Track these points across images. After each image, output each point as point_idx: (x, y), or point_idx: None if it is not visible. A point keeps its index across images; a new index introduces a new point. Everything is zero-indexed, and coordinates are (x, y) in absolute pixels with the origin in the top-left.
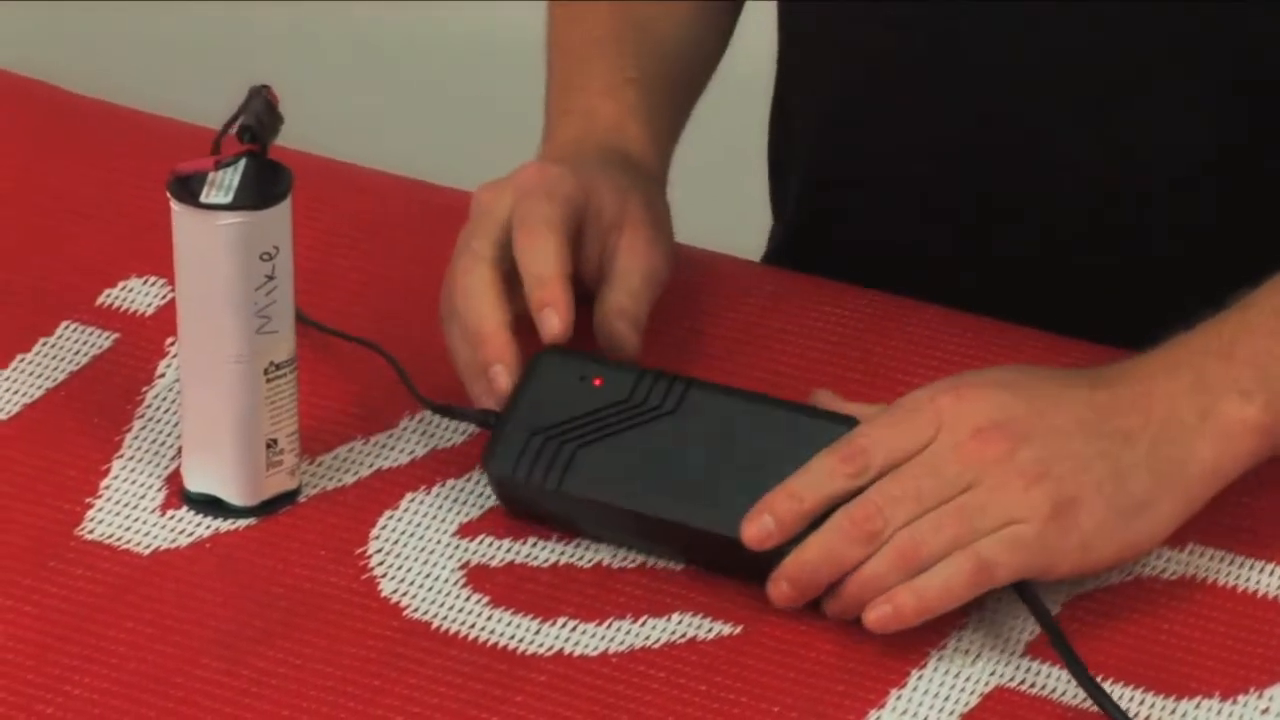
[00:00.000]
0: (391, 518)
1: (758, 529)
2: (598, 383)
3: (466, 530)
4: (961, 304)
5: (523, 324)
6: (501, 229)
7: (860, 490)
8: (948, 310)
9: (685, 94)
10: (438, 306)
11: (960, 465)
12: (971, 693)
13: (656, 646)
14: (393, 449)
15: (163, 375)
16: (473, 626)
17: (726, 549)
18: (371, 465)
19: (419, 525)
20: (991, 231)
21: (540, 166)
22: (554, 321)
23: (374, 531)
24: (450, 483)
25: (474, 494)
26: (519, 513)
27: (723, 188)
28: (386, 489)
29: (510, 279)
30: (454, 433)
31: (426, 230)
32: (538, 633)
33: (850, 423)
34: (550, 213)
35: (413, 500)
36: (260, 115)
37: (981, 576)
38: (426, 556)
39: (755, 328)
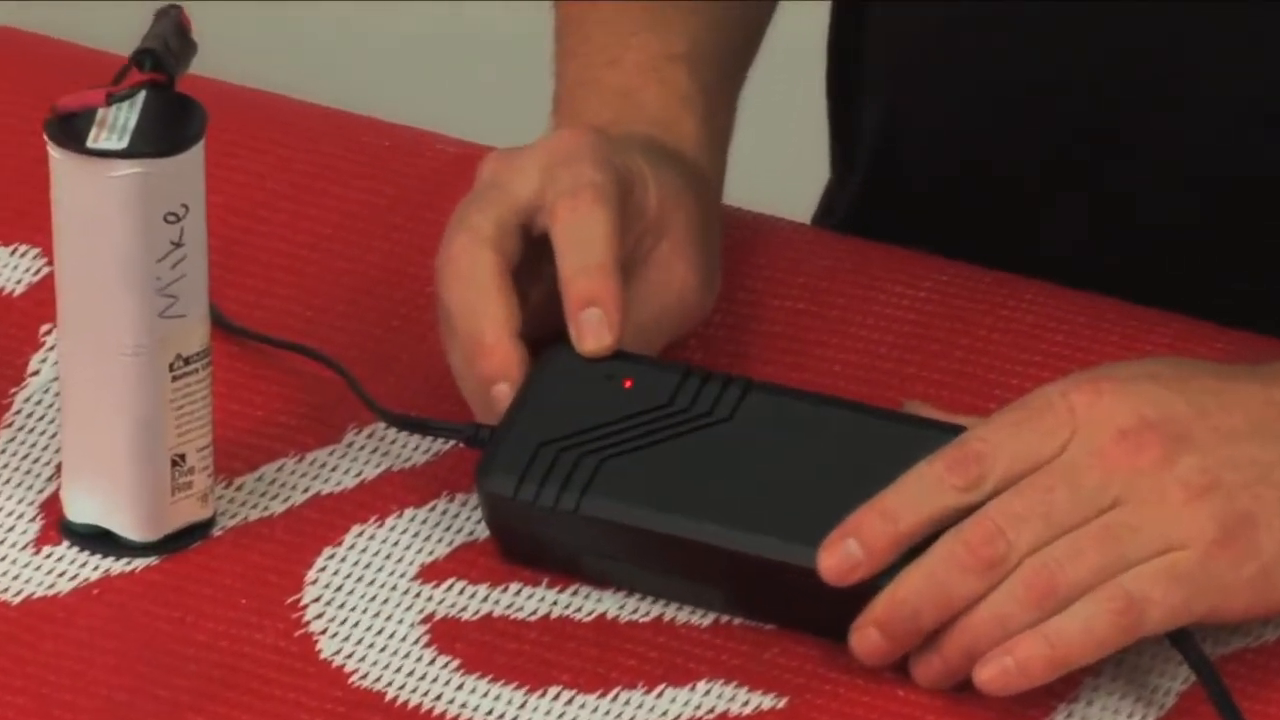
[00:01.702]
0: (333, 557)
1: (839, 558)
2: (628, 383)
3: (430, 573)
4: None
5: (538, 322)
6: (515, 208)
7: (974, 508)
8: (1057, 287)
9: (741, 70)
10: (398, 291)
11: (1103, 475)
12: None
13: None
14: (335, 469)
15: (37, 373)
16: (438, 698)
17: (795, 587)
18: (307, 490)
19: (369, 567)
20: (1108, 184)
21: (581, 131)
22: (600, 329)
23: (311, 575)
24: (410, 513)
25: (440, 526)
26: (516, 550)
27: (760, 140)
28: (327, 520)
29: (521, 271)
30: (413, 450)
31: (392, 184)
32: (523, 706)
33: (956, 432)
34: (604, 182)
35: (361, 535)
36: (168, 39)
37: (1130, 618)
38: (379, 607)
39: (819, 310)
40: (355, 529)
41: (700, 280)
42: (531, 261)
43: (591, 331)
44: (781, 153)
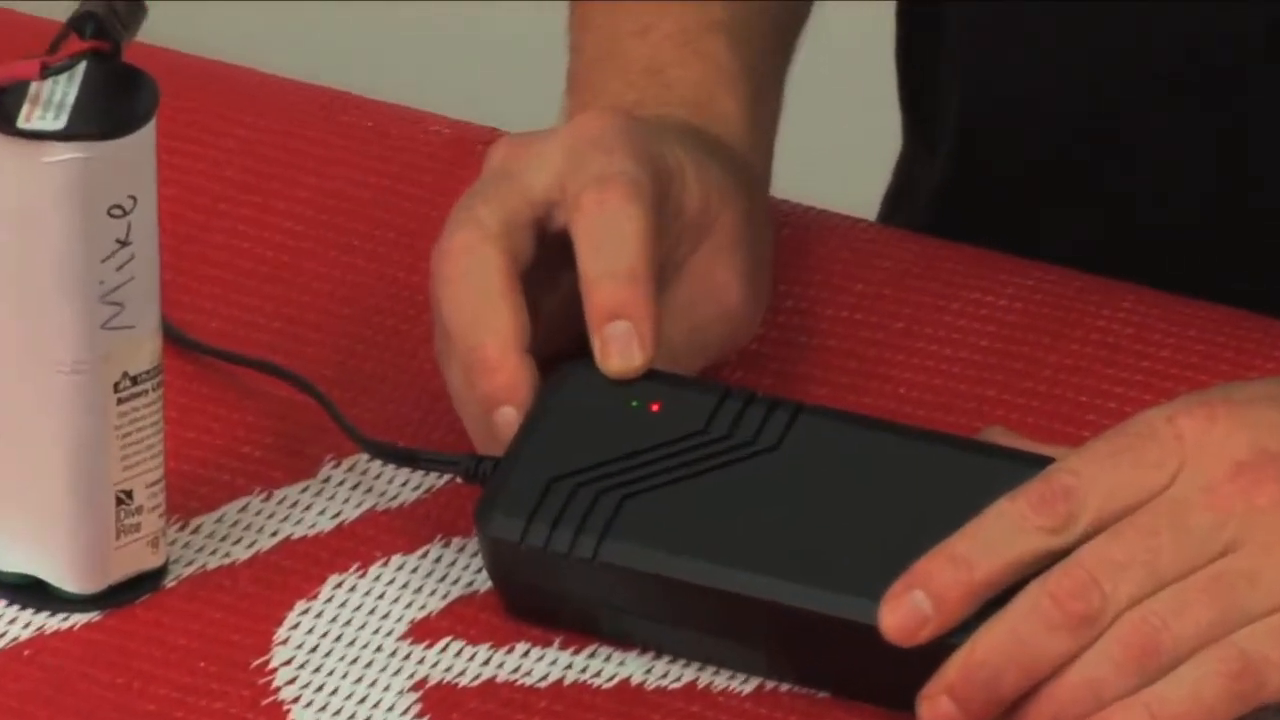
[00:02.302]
0: (308, 612)
1: (905, 613)
2: (657, 408)
3: (422, 631)
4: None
5: (552, 337)
6: (529, 200)
7: (1064, 554)
8: (1162, 294)
9: (789, 42)
10: (384, 299)
11: (1215, 516)
12: None
13: None
14: (309, 509)
15: None
16: None
17: (852, 648)
18: (276, 533)
19: (350, 624)
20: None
21: (610, 112)
22: (629, 345)
23: (281, 633)
24: (398, 560)
25: (434, 576)
26: (523, 604)
27: (813, 124)
28: (300, 569)
29: (533, 276)
30: (401, 486)
31: (378, 172)
32: None
33: (1043, 463)
34: (637, 173)
35: (340, 586)
36: (112, 1)
37: (1247, 683)
38: (362, 671)
39: (881, 322)
40: (333, 579)
41: (746, 290)
42: (546, 264)
43: (618, 348)
44: (837, 137)
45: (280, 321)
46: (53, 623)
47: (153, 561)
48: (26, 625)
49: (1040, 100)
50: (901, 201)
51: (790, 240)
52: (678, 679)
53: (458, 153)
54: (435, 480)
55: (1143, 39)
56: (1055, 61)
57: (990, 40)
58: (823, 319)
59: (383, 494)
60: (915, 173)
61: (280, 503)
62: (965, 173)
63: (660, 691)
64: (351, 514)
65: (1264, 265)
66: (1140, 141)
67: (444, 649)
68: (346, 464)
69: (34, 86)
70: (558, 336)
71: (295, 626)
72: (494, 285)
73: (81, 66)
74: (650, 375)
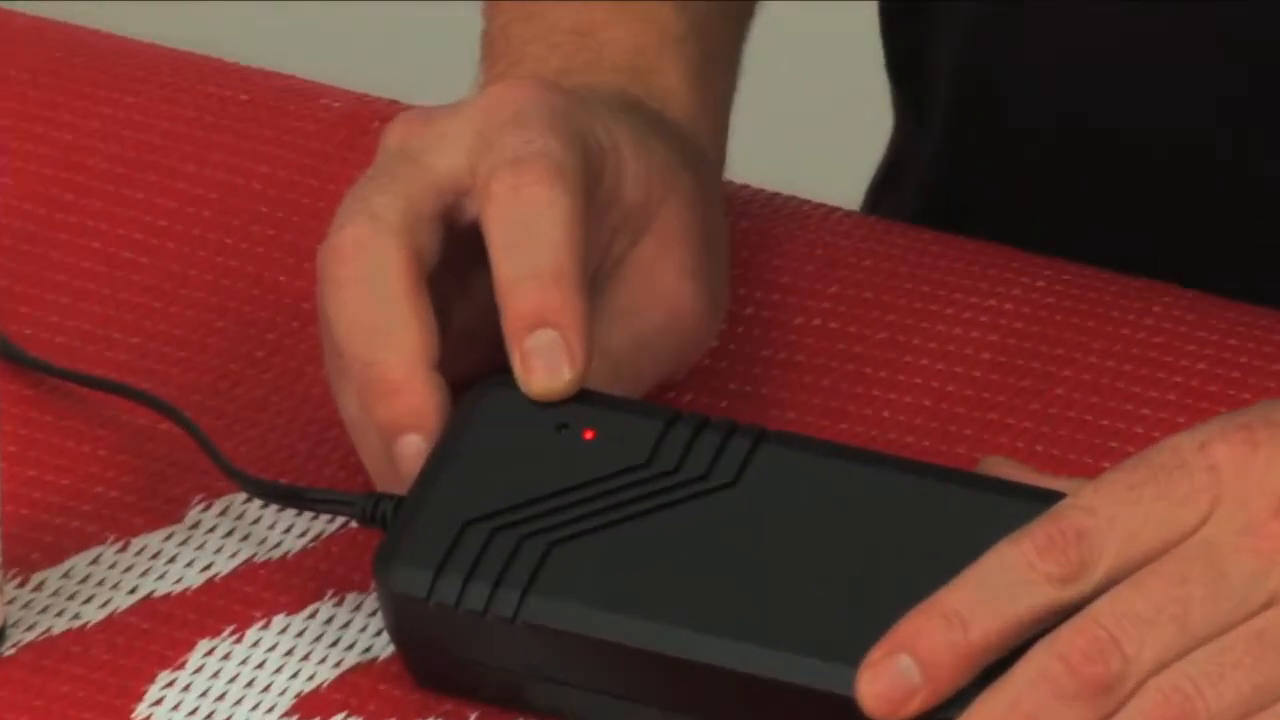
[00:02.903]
0: (173, 685)
1: (888, 681)
2: (589, 435)
3: (311, 707)
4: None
5: (464, 351)
6: (434, 187)
7: (1077, 608)
8: (1199, 294)
9: (747, 3)
10: (264, 308)
11: (1257, 562)
12: None
13: None
14: (175, 561)
15: None
16: None
17: None
18: (135, 590)
19: (224, 698)
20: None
21: (528, 83)
22: (555, 360)
23: (141, 710)
24: (281, 621)
25: (324, 640)
26: (432, 672)
27: (779, 103)
28: (163, 633)
29: (442, 278)
30: (284, 532)
31: (256, 156)
32: None
33: (1052, 500)
34: (560, 152)
35: (211, 653)
36: None
37: None
38: None
39: (861, 332)
40: (203, 645)
41: (698, 293)
42: (455, 264)
43: (543, 363)
44: (809, 110)
45: (139, 337)
46: None
47: None
48: None
49: (1053, 55)
50: (888, 190)
51: (751, 233)
52: None
53: (351, 132)
54: (326, 525)
55: None
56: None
57: None
58: (791, 328)
59: (262, 542)
60: (906, 149)
61: (139, 553)
62: (963, 144)
63: None
64: (225, 566)
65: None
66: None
67: None
68: (219, 506)
69: None
70: (471, 351)
71: (158, 702)
72: (394, 289)
73: None
74: (582, 397)
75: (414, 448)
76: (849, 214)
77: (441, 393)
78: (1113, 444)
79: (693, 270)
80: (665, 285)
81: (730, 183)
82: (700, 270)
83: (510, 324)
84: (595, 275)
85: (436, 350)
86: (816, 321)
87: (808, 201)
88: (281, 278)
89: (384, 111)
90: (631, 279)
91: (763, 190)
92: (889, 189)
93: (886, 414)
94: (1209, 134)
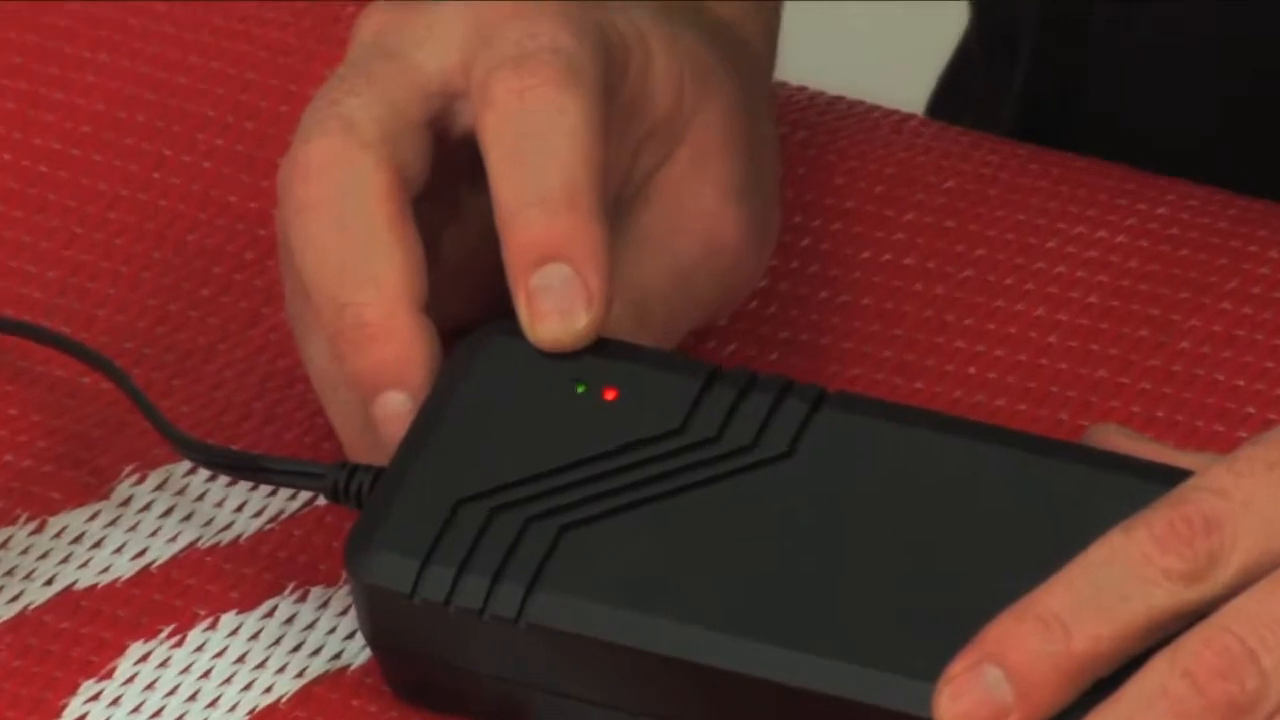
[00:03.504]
0: (98, 698)
1: (972, 699)
2: (611, 395)
3: None
4: None
5: (457, 292)
6: (419, 89)
7: (1204, 612)
8: None
9: None
10: (211, 239)
11: None
12: None
13: None
14: (101, 545)
15: None
16: None
17: None
18: (52, 581)
19: (160, 715)
20: None
21: None
22: (569, 301)
23: None
24: (230, 621)
25: (284, 644)
26: (414, 683)
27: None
28: (88, 634)
29: (430, 203)
30: (236, 511)
31: (202, 59)
32: None
33: (1175, 478)
34: (576, 51)
35: (146, 659)
36: None
37: None
38: None
39: (943, 269)
40: (135, 650)
41: (743, 217)
42: (446, 184)
43: (553, 306)
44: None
45: (58, 270)
46: None
47: None
48: None
49: None
50: (953, 96)
51: (809, 147)
52: None
53: (319, 20)
54: (287, 502)
55: None
56: None
57: None
58: (855, 264)
59: (209, 523)
60: (973, 66)
61: (58, 536)
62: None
63: None
64: (163, 552)
65: None
66: None
67: None
68: (155, 478)
69: None
70: (466, 291)
71: (85, 716)
72: (372, 215)
73: None
74: (602, 347)
75: (397, 408)
76: (927, 123)
77: (430, 341)
78: (1249, 409)
79: (736, 190)
80: (703, 209)
81: (782, 84)
82: (745, 190)
83: (513, 258)
84: (617, 198)
85: (424, 289)
86: (887, 256)
87: (877, 107)
88: (232, 198)
89: (358, 6)
90: (662, 202)
91: (822, 94)
92: (954, 95)
93: (972, 370)
94: None
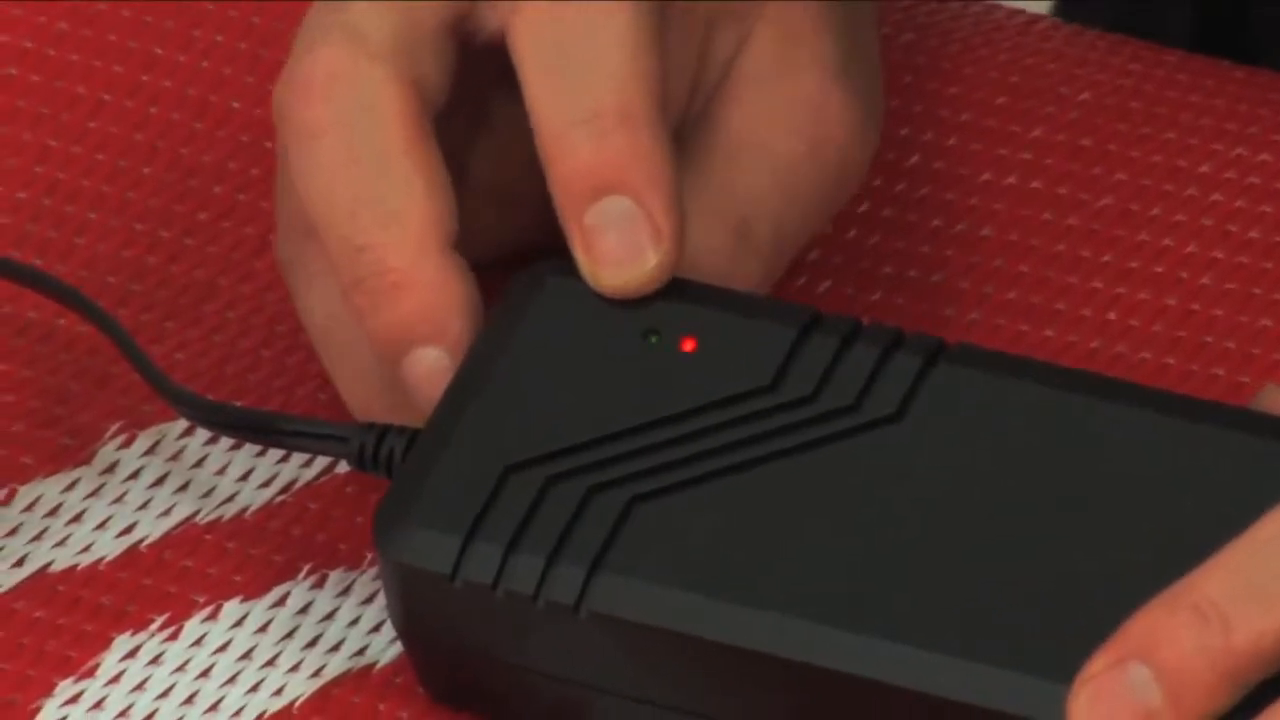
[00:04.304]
0: (78, 700)
1: (1113, 701)
2: (689, 345)
3: None
4: None
5: (491, 226)
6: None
7: None
8: None
9: None
10: (203, 170)
11: None
12: None
13: None
14: (82, 519)
15: None
16: None
17: None
18: (23, 561)
19: (153, 717)
20: None
21: None
22: (637, 239)
23: None
24: (234, 609)
25: (298, 637)
26: (452, 682)
27: None
28: (67, 625)
29: (452, 121)
30: (240, 481)
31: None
32: None
33: None
34: None
35: (134, 655)
36: None
37: None
38: None
39: (1085, 194)
40: (122, 643)
41: (851, 99)
42: (473, 96)
43: (616, 244)
44: None
45: (28, 190)
46: None
47: None
48: None
49: None
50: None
51: (917, 51)
52: None
53: None
54: (302, 469)
55: None
56: None
57: None
58: (974, 188)
59: (208, 493)
60: None
61: (30, 509)
62: None
63: None
64: (154, 529)
65: None
66: None
67: None
68: (145, 440)
69: None
70: (507, 217)
71: None
72: (389, 139)
73: None
74: (678, 290)
75: (431, 365)
76: (1058, 25)
77: (465, 284)
78: None
79: (837, 68)
80: (802, 94)
81: None
82: (847, 67)
83: (562, 190)
84: (694, 100)
85: (454, 223)
86: (1011, 180)
87: (998, 6)
88: (235, 104)
89: None
90: (748, 94)
91: None
92: None
93: (1112, 316)
94: None
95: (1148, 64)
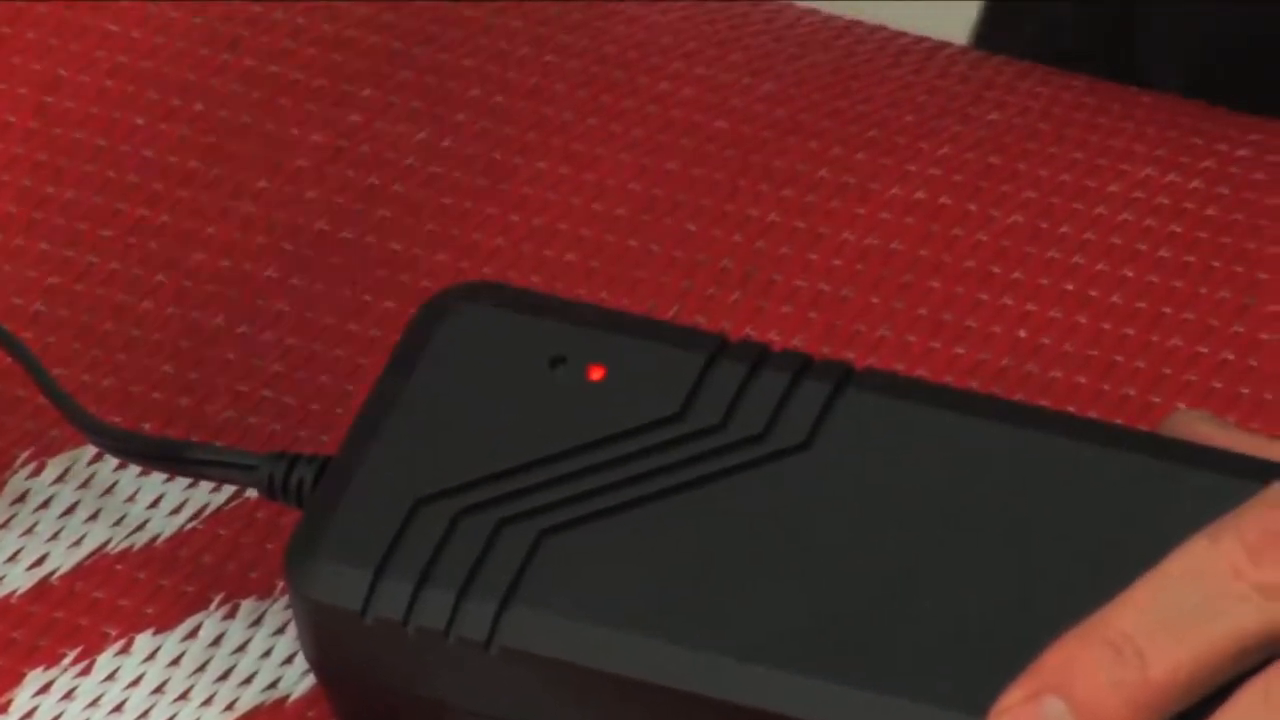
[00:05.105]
0: None
1: None
2: (597, 373)
3: None
4: None
5: None
6: None
7: None
8: None
9: None
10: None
11: None
12: None
13: None
14: None
15: None
16: None
17: None
18: None
19: None
20: None
21: None
22: None
23: None
24: (145, 643)
25: (212, 672)
26: (356, 715)
27: None
28: None
29: None
30: (150, 508)
31: None
32: None
33: (1269, 473)
34: None
35: (46, 690)
36: None
37: None
38: None
39: (994, 211)
40: (34, 679)
41: None
42: None
43: None
44: None
45: None
46: None
47: None
48: None
49: None
50: (1000, 29)
51: (820, 70)
52: None
53: None
54: (211, 494)
55: None
56: None
57: None
58: (882, 203)
59: (119, 521)
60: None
61: None
62: None
63: None
64: (65, 560)
65: None
66: None
67: None
68: (55, 468)
69: None
70: None
71: None
72: None
73: None
74: (583, 315)
75: None
76: (965, 50)
77: None
78: None
79: None
80: None
81: (789, 5)
82: None
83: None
84: None
85: None
86: (920, 194)
87: (904, 33)
88: (139, 120)
89: None
90: None
91: (837, 18)
92: (1000, 28)
93: (1022, 334)
94: None
95: (1055, 87)
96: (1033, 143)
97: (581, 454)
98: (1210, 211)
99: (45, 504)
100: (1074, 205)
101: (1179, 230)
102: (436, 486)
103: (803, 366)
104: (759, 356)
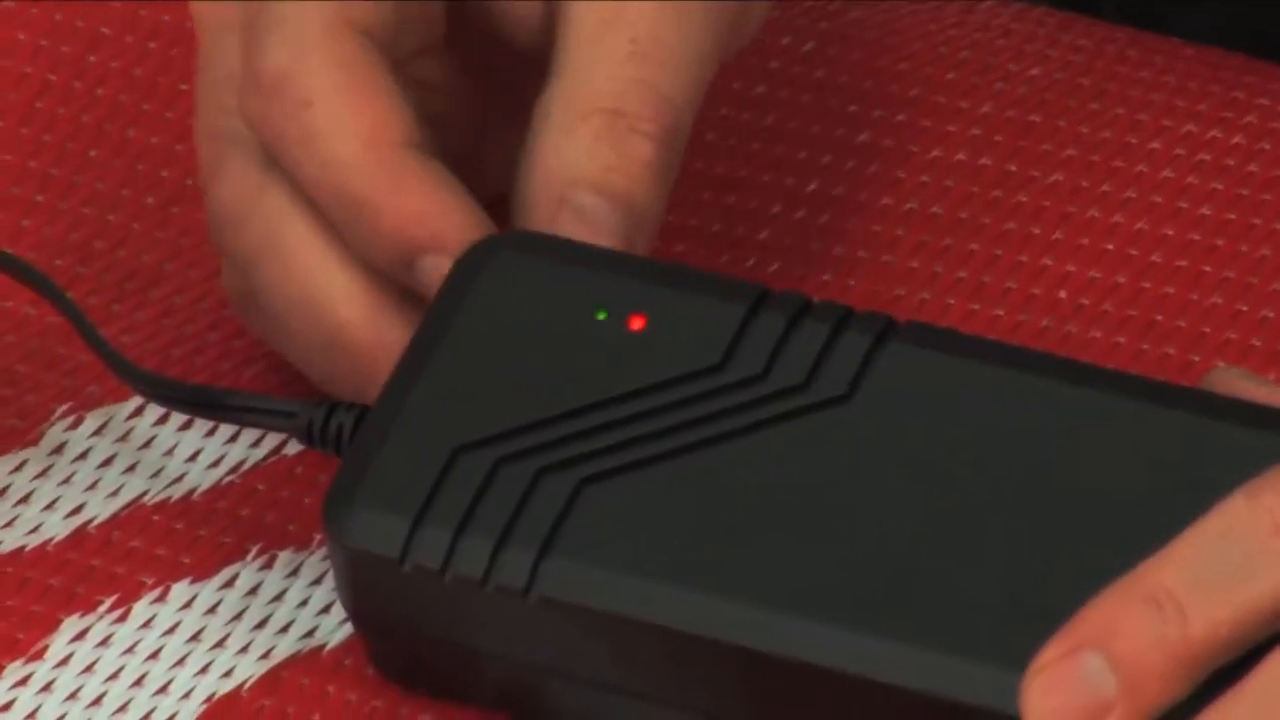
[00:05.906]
0: (26, 682)
1: (1067, 691)
2: (638, 323)
3: (227, 716)
4: None
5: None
6: None
7: None
8: None
9: None
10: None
11: None
12: None
13: None
14: (28, 502)
15: None
16: None
17: None
18: None
19: (101, 702)
20: None
21: None
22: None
23: None
24: (182, 591)
25: (249, 619)
26: (402, 664)
27: None
28: (13, 608)
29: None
30: (189, 461)
31: None
32: None
33: None
34: None
35: (83, 637)
36: None
37: None
38: None
39: (1033, 170)
40: (70, 626)
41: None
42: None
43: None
44: None
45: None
46: None
47: None
48: None
49: None
50: None
51: (865, 27)
52: None
53: None
54: (250, 449)
55: None
56: None
57: None
58: (923, 165)
59: (156, 474)
60: None
61: None
62: None
63: None
64: (102, 509)
65: None
66: None
67: None
68: (94, 421)
69: None
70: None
71: (5, 708)
72: (371, 95)
73: None
74: (625, 265)
75: (436, 267)
76: (1004, 2)
77: (473, 210)
78: None
79: None
80: None
81: None
82: None
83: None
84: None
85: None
86: (960, 156)
87: None
88: (183, 85)
89: None
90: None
91: None
92: None
93: (1062, 294)
94: None
95: (1097, 40)
96: (1074, 99)
97: (621, 403)
98: (1252, 168)
99: (83, 455)
100: (1115, 163)
101: (1220, 187)
102: (475, 435)
103: (844, 318)
104: (801, 308)
